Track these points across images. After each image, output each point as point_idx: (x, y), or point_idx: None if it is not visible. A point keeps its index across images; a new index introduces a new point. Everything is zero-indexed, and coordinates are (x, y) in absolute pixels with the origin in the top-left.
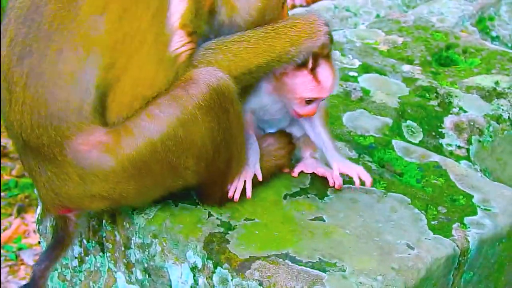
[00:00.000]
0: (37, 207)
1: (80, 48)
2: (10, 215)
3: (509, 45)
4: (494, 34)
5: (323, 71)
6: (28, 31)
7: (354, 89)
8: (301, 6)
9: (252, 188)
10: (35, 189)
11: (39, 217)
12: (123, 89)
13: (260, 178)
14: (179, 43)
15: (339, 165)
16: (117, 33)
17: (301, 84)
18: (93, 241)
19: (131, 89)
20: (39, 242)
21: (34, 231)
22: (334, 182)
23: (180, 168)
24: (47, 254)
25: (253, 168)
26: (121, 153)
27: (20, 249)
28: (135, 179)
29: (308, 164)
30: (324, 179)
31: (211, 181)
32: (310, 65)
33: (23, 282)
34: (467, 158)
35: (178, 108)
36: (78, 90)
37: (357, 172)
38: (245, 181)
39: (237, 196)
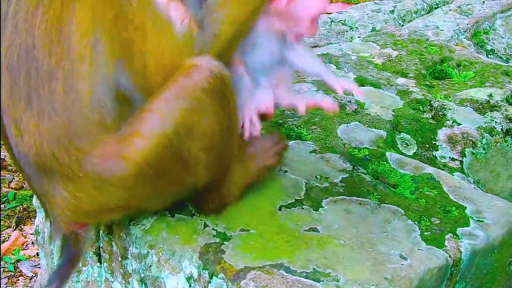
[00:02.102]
0: (35, 218)
1: (86, 72)
2: (9, 227)
3: (504, 58)
4: (489, 47)
5: None
6: (27, 75)
7: (349, 101)
8: None
9: (248, 199)
10: (34, 201)
11: (37, 228)
12: (152, 85)
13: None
14: (178, 13)
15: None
16: (117, 43)
17: (311, 2)
18: (90, 252)
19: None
20: (37, 254)
21: (32, 243)
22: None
23: (192, 163)
24: (58, 273)
25: (254, 106)
26: (135, 156)
27: (18, 260)
28: (151, 181)
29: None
30: (319, 191)
31: (213, 182)
32: None
33: None
34: (461, 170)
35: (185, 96)
36: (96, 108)
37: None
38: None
39: (247, 135)
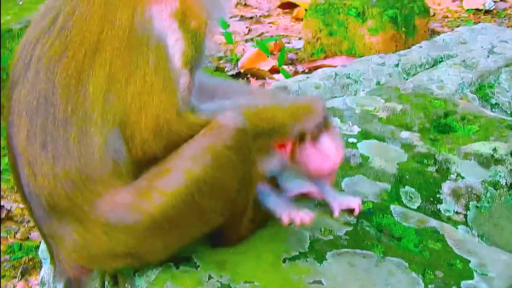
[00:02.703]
0: (40, 270)
1: (100, 123)
2: (14, 277)
3: (509, 112)
4: (493, 101)
5: (328, 143)
6: (44, 121)
7: (354, 155)
8: (303, 72)
9: (252, 250)
10: (40, 252)
11: (43, 280)
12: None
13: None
14: (184, 81)
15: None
16: (129, 96)
17: (313, 160)
18: None
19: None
20: None
21: None
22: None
23: (209, 213)
24: None
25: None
26: (153, 211)
27: None
28: (164, 234)
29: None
30: (324, 244)
31: (230, 223)
32: (313, 140)
33: None
34: (465, 223)
35: (210, 154)
36: (110, 155)
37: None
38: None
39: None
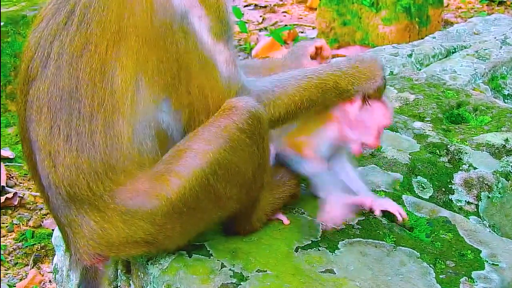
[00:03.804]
0: (53, 257)
1: (129, 114)
2: (26, 265)
3: None
4: (506, 92)
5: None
6: (69, 118)
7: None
8: None
9: (265, 239)
10: (53, 239)
11: (56, 267)
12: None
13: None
14: (223, 56)
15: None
16: (161, 84)
17: (378, 115)
18: None
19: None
20: None
21: (50, 281)
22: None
23: (224, 198)
24: None
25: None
26: (171, 195)
27: None
28: (181, 218)
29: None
30: (336, 233)
31: (243, 211)
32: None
33: None
34: (476, 213)
35: (225, 136)
36: (136, 146)
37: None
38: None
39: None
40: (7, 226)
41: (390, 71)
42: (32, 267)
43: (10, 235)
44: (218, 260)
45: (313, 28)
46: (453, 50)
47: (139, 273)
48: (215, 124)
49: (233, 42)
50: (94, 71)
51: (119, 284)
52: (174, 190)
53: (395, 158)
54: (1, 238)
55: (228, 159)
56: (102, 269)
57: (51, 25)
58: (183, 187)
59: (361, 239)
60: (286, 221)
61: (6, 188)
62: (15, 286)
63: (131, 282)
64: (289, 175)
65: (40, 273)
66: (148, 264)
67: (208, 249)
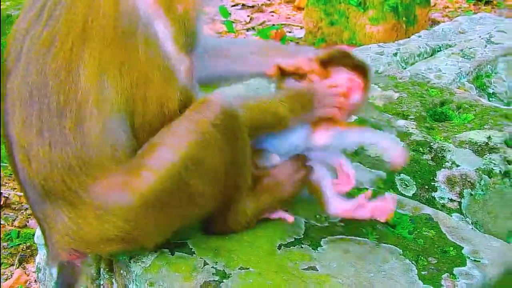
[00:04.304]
0: (35, 257)
1: (96, 112)
2: (12, 265)
3: (505, 101)
4: (491, 91)
5: None
6: (39, 111)
7: None
8: None
9: (247, 237)
10: (35, 238)
11: (39, 266)
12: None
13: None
14: (183, 66)
15: None
16: (122, 87)
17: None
18: None
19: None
20: None
21: (35, 281)
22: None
23: (197, 195)
24: None
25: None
26: (142, 189)
27: None
28: (155, 214)
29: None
30: (319, 230)
31: (219, 211)
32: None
33: None
34: (459, 211)
35: (196, 130)
36: (108, 141)
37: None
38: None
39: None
40: None
41: (376, 70)
42: (18, 267)
43: None
44: (200, 258)
45: (300, 28)
46: (438, 49)
47: (121, 271)
48: (188, 118)
49: (200, 49)
50: (60, 68)
51: (101, 283)
52: (147, 184)
53: (378, 156)
54: None
55: (199, 154)
56: (80, 265)
57: (26, 18)
58: (155, 181)
59: (344, 236)
60: (290, 218)
61: None
62: (0, 286)
63: (113, 280)
64: (283, 177)
65: (25, 273)
66: (130, 262)
67: (190, 247)
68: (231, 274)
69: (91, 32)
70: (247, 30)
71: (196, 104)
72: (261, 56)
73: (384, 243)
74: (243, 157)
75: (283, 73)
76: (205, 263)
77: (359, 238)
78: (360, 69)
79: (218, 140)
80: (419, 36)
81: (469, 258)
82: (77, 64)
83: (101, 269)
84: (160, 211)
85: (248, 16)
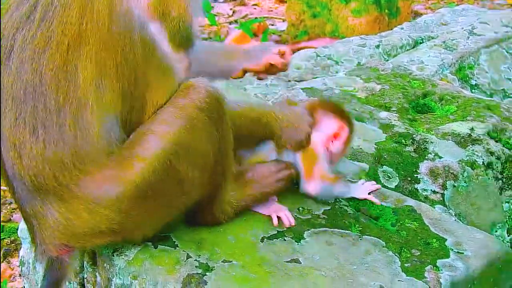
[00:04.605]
0: (19, 251)
1: (96, 109)
2: None
3: (488, 93)
4: (473, 82)
5: None
6: (34, 110)
7: None
8: None
9: (230, 230)
10: (19, 232)
11: (23, 259)
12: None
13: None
14: (182, 65)
15: None
16: (121, 83)
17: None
18: (75, 283)
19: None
20: (24, 287)
21: (19, 275)
22: None
23: (187, 182)
24: None
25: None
26: (134, 178)
27: None
28: (146, 204)
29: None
30: (302, 223)
31: (206, 200)
32: None
33: None
34: (442, 202)
35: (184, 115)
36: (104, 137)
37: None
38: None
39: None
40: None
41: (358, 62)
42: (2, 261)
43: None
44: (183, 251)
45: (283, 21)
46: (421, 41)
47: (105, 265)
48: (174, 104)
49: (196, 46)
50: (57, 68)
51: (85, 276)
52: (138, 173)
53: (361, 148)
54: None
55: (188, 139)
56: (68, 260)
57: (14, 17)
58: (146, 170)
59: (327, 228)
60: (275, 222)
61: None
62: None
63: (97, 273)
64: (266, 173)
65: (10, 267)
66: (114, 256)
67: (173, 240)
68: (214, 267)
69: (87, 34)
70: (230, 23)
71: (181, 89)
72: (228, 60)
73: (367, 235)
74: (228, 142)
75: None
76: (188, 256)
77: (342, 230)
78: (347, 118)
79: (205, 124)
80: (402, 28)
81: (452, 250)
82: (75, 64)
83: (85, 263)
84: (152, 200)
85: (230, 9)
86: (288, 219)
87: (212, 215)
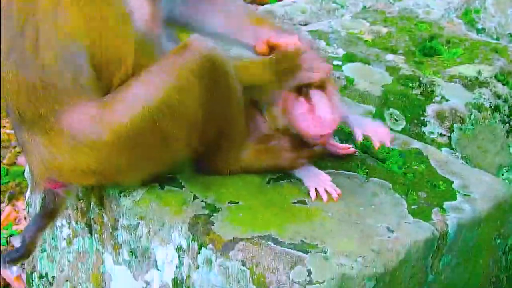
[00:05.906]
0: (25, 192)
1: (54, 35)
2: (1, 202)
3: (494, 37)
4: (479, 26)
5: (320, 104)
6: (6, 32)
7: (338, 77)
8: None
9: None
10: (25, 174)
11: (29, 200)
12: (110, 64)
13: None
14: (141, 13)
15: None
16: (81, 17)
17: (301, 118)
18: (82, 223)
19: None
20: None
21: (24, 218)
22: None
23: (172, 139)
24: (35, 220)
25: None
26: (114, 123)
27: (11, 235)
28: (126, 151)
29: None
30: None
31: (204, 155)
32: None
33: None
34: (449, 145)
35: (171, 72)
36: (68, 69)
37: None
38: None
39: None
40: None
41: (363, 6)
42: (7, 204)
43: None
44: (190, 192)
45: None
46: None
47: (112, 205)
48: (168, 60)
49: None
50: None
51: (92, 217)
52: (118, 119)
53: (367, 91)
54: None
55: (174, 98)
56: (63, 194)
57: None
58: (127, 117)
59: (333, 170)
60: (313, 195)
61: None
62: None
63: (104, 214)
64: (287, 147)
65: (15, 210)
66: (120, 196)
67: (180, 181)
68: (221, 208)
69: None
70: None
71: (178, 47)
72: (254, 25)
73: (374, 178)
74: (229, 106)
75: (271, 50)
76: (195, 197)
77: (348, 172)
78: None
79: (194, 86)
80: None
81: (459, 192)
82: None
83: (92, 203)
84: (132, 150)
85: None
86: (335, 190)
87: (216, 169)
